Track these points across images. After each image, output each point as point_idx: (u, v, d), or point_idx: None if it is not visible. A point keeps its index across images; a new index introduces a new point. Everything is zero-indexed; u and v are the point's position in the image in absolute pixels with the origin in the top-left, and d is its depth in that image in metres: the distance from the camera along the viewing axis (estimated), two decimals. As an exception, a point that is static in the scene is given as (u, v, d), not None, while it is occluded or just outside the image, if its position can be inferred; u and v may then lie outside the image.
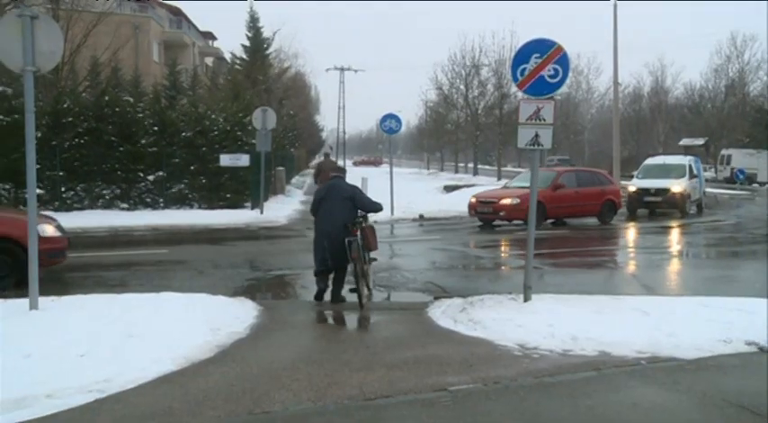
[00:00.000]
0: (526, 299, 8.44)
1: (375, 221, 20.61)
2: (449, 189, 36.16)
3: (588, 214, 20.75)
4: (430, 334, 7.56)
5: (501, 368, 6.18)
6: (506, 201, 19.16)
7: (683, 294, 9.82)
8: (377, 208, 9.43)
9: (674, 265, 13.94)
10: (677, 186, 23.16)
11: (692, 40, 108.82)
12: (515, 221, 19.12)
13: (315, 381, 5.78)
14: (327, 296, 9.16)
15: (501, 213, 19.23)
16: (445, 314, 8.35)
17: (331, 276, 9.22)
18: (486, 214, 19.72)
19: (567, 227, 20.16)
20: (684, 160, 25.95)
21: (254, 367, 6.17)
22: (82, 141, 21.06)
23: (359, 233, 9.03)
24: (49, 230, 10.19)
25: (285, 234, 17.93)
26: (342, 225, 8.95)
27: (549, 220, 19.67)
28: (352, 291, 8.97)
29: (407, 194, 27.27)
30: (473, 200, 20.38)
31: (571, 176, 21.11)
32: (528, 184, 19.90)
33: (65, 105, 21.16)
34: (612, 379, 5.92)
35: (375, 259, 10.16)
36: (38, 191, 9.61)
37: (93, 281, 10.77)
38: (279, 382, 5.73)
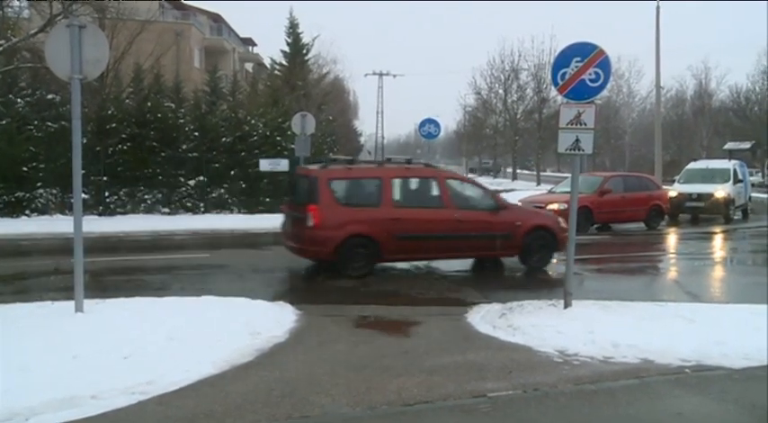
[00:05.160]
0: (566, 305, 8.34)
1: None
2: (487, 194, 35.86)
3: (635, 219, 20.53)
4: (469, 340, 7.52)
5: (541, 375, 6.13)
6: (554, 206, 18.80)
7: (729, 302, 9.60)
8: None
9: (719, 272, 13.66)
10: (720, 191, 22.64)
11: (739, 42, 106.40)
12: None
13: (353, 386, 5.79)
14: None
15: None
16: (484, 320, 8.31)
17: None
18: None
19: (611, 232, 19.89)
20: (729, 164, 25.35)
21: (293, 371, 6.21)
22: (125, 147, 21.47)
23: None
24: (563, 222, 12.34)
25: (324, 239, 18.00)
26: None
27: (595, 226, 19.48)
28: None
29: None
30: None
31: (618, 181, 20.96)
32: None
33: (109, 112, 21.61)
34: (655, 387, 5.82)
35: None
36: (83, 196, 9.85)
37: (135, 284, 10.95)
38: (318, 387, 5.75)
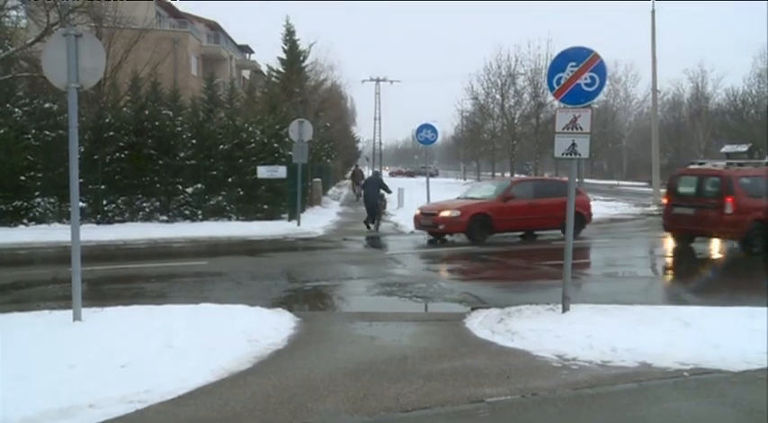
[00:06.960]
0: (564, 309, 8.35)
1: (412, 232, 20.66)
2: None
3: (546, 227, 18.52)
4: (467, 345, 7.52)
5: (539, 379, 6.12)
6: (445, 213, 17.83)
7: (725, 305, 9.59)
8: (390, 191, 22.78)
9: (713, 275, 13.66)
10: None
11: (735, 45, 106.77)
12: (460, 235, 18.01)
13: (352, 392, 5.78)
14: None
15: (440, 226, 17.89)
16: (482, 325, 8.30)
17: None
18: (428, 227, 18.45)
19: (540, 241, 18.61)
20: (726, 167, 25.31)
21: (291, 379, 6.20)
22: (122, 155, 21.46)
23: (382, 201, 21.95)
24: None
25: (322, 245, 18.01)
26: (374, 196, 21.29)
27: (521, 233, 18.79)
28: (372, 222, 21.14)
29: (444, 205, 27.07)
30: (418, 212, 19.18)
31: (527, 186, 19.40)
32: (479, 196, 19.37)
33: (106, 120, 21.61)
34: (654, 391, 5.82)
35: (386, 213, 24.22)
36: (80, 204, 9.85)
37: (133, 292, 10.95)
38: (316, 394, 5.75)
